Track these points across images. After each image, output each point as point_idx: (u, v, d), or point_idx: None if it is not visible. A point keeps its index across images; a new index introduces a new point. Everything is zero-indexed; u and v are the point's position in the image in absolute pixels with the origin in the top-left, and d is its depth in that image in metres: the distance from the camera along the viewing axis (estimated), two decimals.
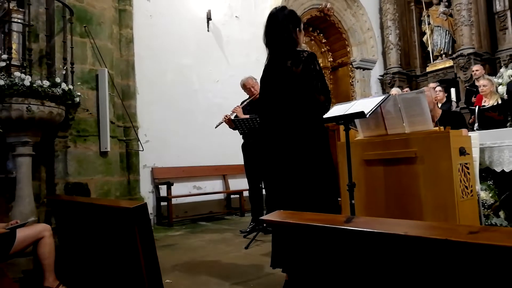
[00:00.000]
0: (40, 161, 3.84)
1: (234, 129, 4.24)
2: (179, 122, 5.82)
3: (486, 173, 3.68)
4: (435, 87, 6.02)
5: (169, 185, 5.33)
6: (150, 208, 5.32)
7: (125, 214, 1.81)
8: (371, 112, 2.47)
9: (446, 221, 2.53)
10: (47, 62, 3.87)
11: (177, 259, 3.33)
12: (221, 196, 6.22)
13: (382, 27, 9.10)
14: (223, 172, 6.24)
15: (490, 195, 3.57)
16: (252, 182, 4.34)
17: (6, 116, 3.25)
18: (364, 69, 8.76)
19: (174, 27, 5.93)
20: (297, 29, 2.31)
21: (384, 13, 8.97)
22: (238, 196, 6.07)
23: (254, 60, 6.41)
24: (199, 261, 3.28)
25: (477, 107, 4.84)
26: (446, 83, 7.49)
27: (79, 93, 3.80)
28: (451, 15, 8.28)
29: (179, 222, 5.46)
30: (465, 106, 6.43)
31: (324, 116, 2.38)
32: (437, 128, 2.81)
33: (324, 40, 8.92)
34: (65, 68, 3.80)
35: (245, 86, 4.40)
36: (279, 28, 2.27)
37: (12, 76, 3.28)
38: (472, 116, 5.17)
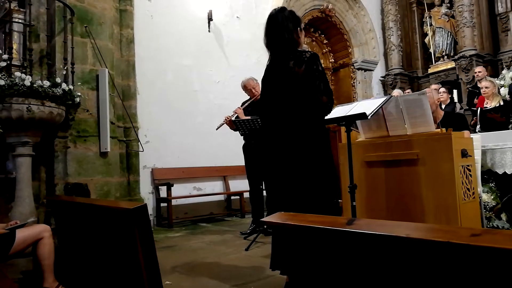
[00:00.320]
0: (40, 162, 3.84)
1: (235, 130, 4.23)
2: (180, 123, 5.82)
3: (488, 175, 3.67)
4: (439, 89, 6.00)
5: (169, 186, 5.32)
6: (150, 209, 5.31)
7: (125, 215, 1.80)
8: (372, 113, 2.46)
9: (448, 223, 2.52)
10: (47, 62, 3.88)
11: (177, 261, 3.32)
12: (221, 197, 6.21)
13: (383, 28, 9.09)
14: (223, 173, 6.23)
15: (492, 197, 3.56)
16: (252, 183, 4.33)
17: (6, 116, 3.26)
18: (365, 70, 8.75)
19: (175, 27, 5.93)
20: (298, 29, 2.31)
21: (386, 14, 8.97)
22: (238, 197, 6.06)
23: (255, 60, 6.41)
24: (199, 262, 3.27)
25: (479, 108, 4.82)
26: (448, 85, 7.47)
27: (79, 93, 3.80)
28: (453, 17, 8.28)
29: (179, 223, 5.45)
30: (467, 107, 6.42)
31: (326, 117, 2.37)
32: (439, 129, 2.80)
33: (325, 41, 8.91)
34: (65, 68, 3.80)
35: (246, 88, 4.40)
36: (279, 29, 2.27)
37: (12, 76, 3.28)
38: (474, 118, 5.16)
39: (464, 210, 2.56)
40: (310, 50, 2.39)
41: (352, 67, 8.71)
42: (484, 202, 3.41)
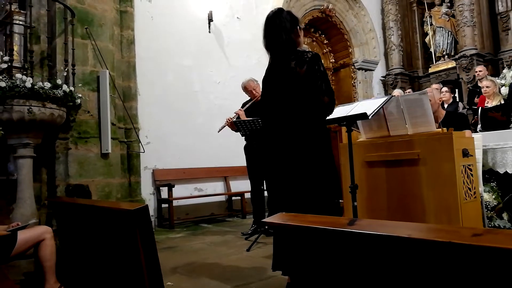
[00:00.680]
0: (41, 163, 3.85)
1: (236, 131, 4.23)
2: (180, 124, 5.82)
3: (489, 174, 3.66)
4: (440, 88, 5.99)
5: (170, 187, 5.32)
6: (151, 210, 5.31)
7: (126, 216, 1.80)
8: (373, 113, 2.46)
9: (449, 223, 2.51)
10: (48, 64, 3.88)
11: (178, 262, 3.32)
12: (222, 198, 6.21)
13: (384, 28, 9.09)
14: (224, 174, 6.23)
15: (494, 197, 3.55)
16: (254, 184, 4.33)
17: (8, 118, 3.26)
18: (366, 70, 8.75)
19: (175, 28, 5.94)
20: (296, 28, 2.30)
21: (386, 14, 8.96)
22: (239, 198, 6.05)
23: (255, 61, 6.41)
24: (200, 263, 3.27)
25: (480, 108, 4.82)
26: (449, 84, 7.46)
27: (80, 95, 3.81)
28: (453, 16, 8.27)
29: (180, 224, 5.45)
30: (468, 107, 6.41)
31: (327, 118, 2.37)
32: (440, 129, 2.80)
33: (325, 41, 8.91)
34: (66, 69, 3.81)
35: (246, 89, 4.39)
36: (277, 30, 2.27)
37: (13, 78, 3.29)
38: (475, 117, 5.15)
39: (465, 210, 2.56)
40: (311, 50, 2.38)
41: (352, 67, 8.70)
42: (485, 202, 3.40)
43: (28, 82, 3.25)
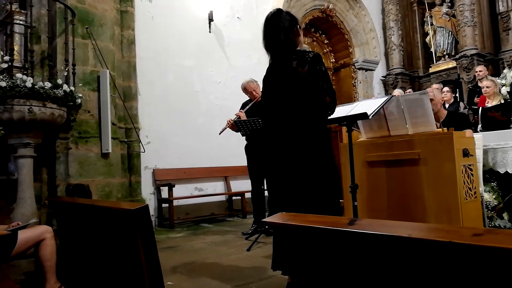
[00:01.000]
0: (42, 163, 3.85)
1: (236, 131, 4.23)
2: (181, 124, 5.82)
3: (490, 174, 3.66)
4: (442, 88, 5.99)
5: (171, 187, 5.32)
6: (152, 210, 5.31)
7: (126, 216, 1.80)
8: (373, 113, 2.46)
9: (450, 223, 2.51)
10: (48, 64, 3.88)
11: (178, 261, 3.32)
12: (222, 198, 6.21)
13: (384, 28, 9.08)
14: (224, 174, 6.23)
15: (494, 196, 3.55)
16: (254, 184, 4.33)
17: (8, 118, 3.26)
18: (366, 70, 8.74)
19: (176, 28, 5.94)
20: (295, 28, 2.31)
21: (387, 14, 8.96)
22: (240, 197, 6.06)
23: (255, 61, 6.41)
24: (201, 263, 3.27)
25: (480, 108, 4.81)
26: (450, 84, 7.46)
27: (80, 95, 3.81)
28: (454, 16, 8.27)
29: (181, 224, 5.45)
30: (468, 107, 6.40)
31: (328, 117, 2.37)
32: (440, 129, 2.80)
33: (326, 41, 8.91)
34: (66, 69, 3.81)
35: (246, 90, 4.38)
36: (275, 30, 2.27)
37: (14, 77, 3.29)
38: (475, 117, 5.15)
39: (465, 209, 2.56)
40: (311, 50, 2.38)
41: (353, 67, 8.70)
42: (486, 202, 3.40)
43: (29, 82, 3.25)
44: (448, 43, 8.45)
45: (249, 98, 4.42)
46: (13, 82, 3.21)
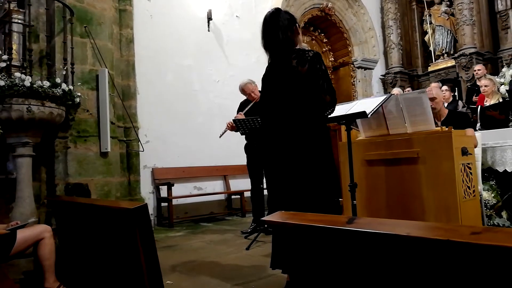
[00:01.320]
0: (41, 162, 3.85)
1: (236, 131, 4.22)
2: (180, 122, 5.82)
3: (489, 173, 3.67)
4: (440, 87, 5.99)
5: (170, 186, 5.32)
6: (151, 209, 5.31)
7: (125, 215, 1.80)
8: (372, 112, 2.46)
9: (448, 221, 2.52)
10: (47, 63, 3.88)
11: (177, 260, 3.32)
12: (221, 197, 6.21)
13: (383, 27, 9.08)
14: (223, 173, 6.23)
15: (493, 195, 3.56)
16: (254, 182, 4.33)
17: (7, 117, 3.26)
18: (365, 68, 8.75)
19: (175, 27, 5.93)
20: (293, 27, 2.31)
21: (386, 12, 8.96)
22: (239, 196, 6.06)
23: (254, 60, 6.41)
24: (200, 262, 3.27)
25: (479, 106, 4.82)
26: (449, 83, 7.46)
27: (79, 94, 3.80)
28: (452, 15, 8.27)
29: (180, 223, 5.45)
30: (466, 105, 6.41)
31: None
32: (439, 128, 2.80)
33: (325, 40, 8.91)
34: (65, 68, 3.80)
35: (244, 91, 4.33)
36: (274, 29, 2.27)
37: (12, 76, 3.28)
38: (474, 115, 5.15)
39: (464, 208, 2.56)
40: (311, 49, 2.39)
41: (352, 65, 8.70)
42: (484, 200, 3.41)
43: (27, 81, 3.24)
44: (447, 41, 8.45)
45: (246, 98, 4.41)
46: (11, 81, 3.21)
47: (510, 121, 4.71)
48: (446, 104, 5.99)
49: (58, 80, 3.53)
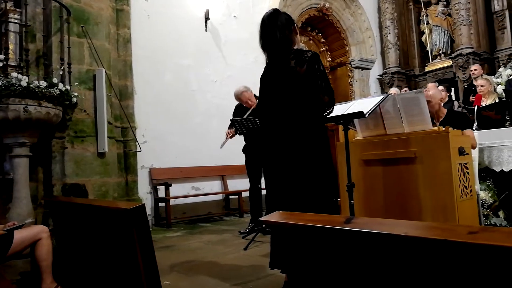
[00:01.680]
0: (37, 162, 3.83)
1: (234, 133, 4.19)
2: (177, 123, 5.81)
3: (485, 173, 3.68)
4: (437, 87, 6.00)
5: (167, 186, 5.32)
6: (148, 209, 5.30)
7: (123, 215, 1.80)
8: (370, 112, 2.47)
9: (446, 221, 2.52)
10: (44, 63, 3.86)
11: (175, 260, 3.32)
12: (219, 197, 6.20)
13: (380, 27, 9.10)
14: (221, 173, 6.22)
15: (490, 195, 3.57)
16: (252, 182, 4.33)
17: (3, 117, 3.24)
18: (363, 68, 8.76)
19: (172, 27, 5.92)
20: (291, 27, 2.32)
21: (383, 12, 8.98)
22: (236, 196, 6.05)
23: (252, 59, 6.41)
24: (198, 262, 3.27)
25: (476, 106, 4.84)
26: (446, 83, 7.48)
27: (76, 94, 3.79)
28: (449, 15, 8.29)
29: (178, 223, 5.45)
30: (463, 105, 6.43)
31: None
32: (436, 128, 2.81)
33: (322, 40, 8.92)
34: (62, 68, 3.79)
35: (241, 100, 4.26)
36: (271, 29, 2.28)
37: (9, 76, 3.27)
38: (470, 116, 5.17)
39: (461, 208, 2.57)
40: (309, 49, 2.39)
41: (349, 65, 8.72)
42: (481, 200, 3.42)
43: (24, 80, 3.23)
44: (444, 42, 8.48)
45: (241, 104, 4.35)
46: (8, 81, 3.19)
47: (506, 121, 4.73)
48: (442, 104, 6.01)
49: (55, 80, 3.52)
